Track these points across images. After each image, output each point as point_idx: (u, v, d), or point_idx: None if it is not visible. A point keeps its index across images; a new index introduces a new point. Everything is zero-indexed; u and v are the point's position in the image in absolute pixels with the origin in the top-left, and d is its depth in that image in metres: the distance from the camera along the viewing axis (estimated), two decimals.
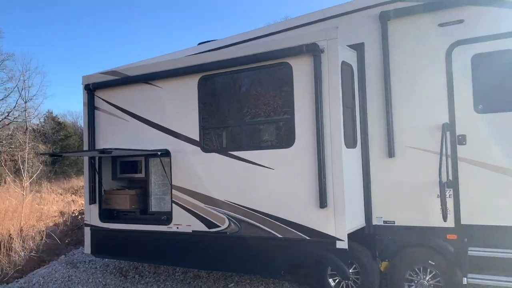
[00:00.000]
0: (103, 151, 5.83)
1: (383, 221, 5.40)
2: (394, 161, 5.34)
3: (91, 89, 6.94)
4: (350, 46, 5.49)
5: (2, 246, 9.44)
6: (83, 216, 11.65)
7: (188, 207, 5.98)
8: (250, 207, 5.49)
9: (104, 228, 6.82)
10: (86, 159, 7.07)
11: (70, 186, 24.31)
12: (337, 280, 5.61)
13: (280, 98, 5.41)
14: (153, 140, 6.30)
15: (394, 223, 5.35)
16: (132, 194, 6.66)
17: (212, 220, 5.79)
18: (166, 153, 6.16)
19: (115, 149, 6.04)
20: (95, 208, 6.89)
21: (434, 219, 5.08)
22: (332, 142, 4.92)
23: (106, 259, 8.22)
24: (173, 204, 6.10)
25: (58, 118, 39.70)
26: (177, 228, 6.06)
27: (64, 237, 11.09)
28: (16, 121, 30.15)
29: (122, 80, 6.69)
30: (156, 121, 6.35)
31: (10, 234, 10.35)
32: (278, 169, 5.30)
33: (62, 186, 24.47)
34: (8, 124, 28.61)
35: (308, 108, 5.06)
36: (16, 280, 7.79)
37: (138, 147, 6.29)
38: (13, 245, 9.35)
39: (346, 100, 5.16)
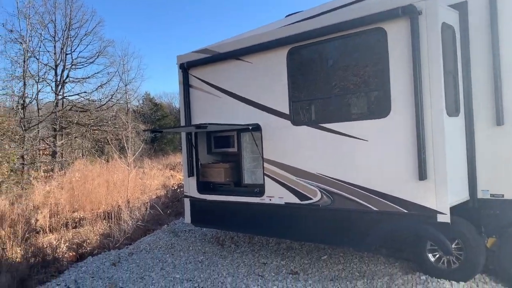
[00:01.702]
0: (199, 126, 6.09)
1: (490, 194, 4.99)
2: (504, 129, 4.86)
3: (185, 68, 7.22)
4: (451, 5, 5.03)
5: (113, 215, 10.48)
6: (181, 189, 12.47)
7: (280, 180, 6.05)
8: (343, 179, 5.40)
9: (202, 199, 7.20)
10: (183, 136, 7.46)
11: (168, 163, 26.02)
12: (437, 255, 5.35)
13: (374, 66, 5.17)
14: (245, 115, 6.42)
15: (502, 197, 4.92)
16: (226, 167, 6.93)
17: (304, 193, 5.80)
18: (257, 128, 6.27)
19: (210, 124, 6.27)
20: (193, 181, 7.28)
21: None
22: (432, 110, 4.61)
23: (204, 229, 8.72)
24: (265, 177, 6.22)
25: (155, 100, 42.58)
26: (270, 200, 6.18)
27: (166, 209, 11.97)
28: (119, 103, 32.87)
29: (213, 57, 6.86)
30: (247, 96, 6.45)
31: (119, 205, 11.44)
32: (372, 140, 5.12)
33: (161, 162, 26.30)
34: (112, 106, 31.23)
35: (405, 75, 4.78)
36: (126, 246, 8.58)
37: (231, 122, 6.48)
38: (122, 215, 10.31)
39: (447, 65, 4.77)
